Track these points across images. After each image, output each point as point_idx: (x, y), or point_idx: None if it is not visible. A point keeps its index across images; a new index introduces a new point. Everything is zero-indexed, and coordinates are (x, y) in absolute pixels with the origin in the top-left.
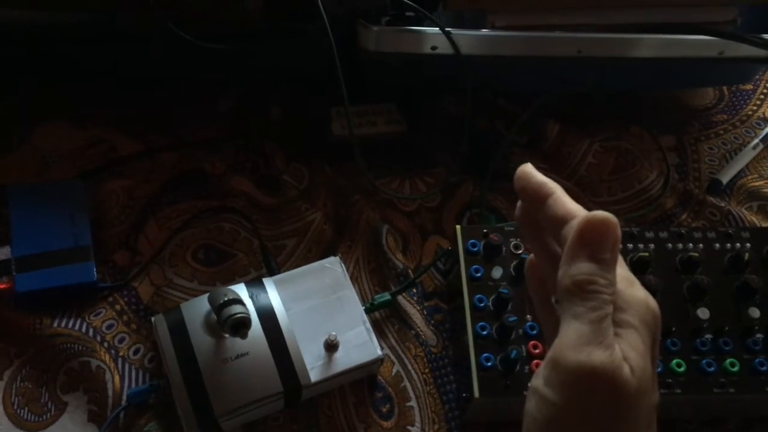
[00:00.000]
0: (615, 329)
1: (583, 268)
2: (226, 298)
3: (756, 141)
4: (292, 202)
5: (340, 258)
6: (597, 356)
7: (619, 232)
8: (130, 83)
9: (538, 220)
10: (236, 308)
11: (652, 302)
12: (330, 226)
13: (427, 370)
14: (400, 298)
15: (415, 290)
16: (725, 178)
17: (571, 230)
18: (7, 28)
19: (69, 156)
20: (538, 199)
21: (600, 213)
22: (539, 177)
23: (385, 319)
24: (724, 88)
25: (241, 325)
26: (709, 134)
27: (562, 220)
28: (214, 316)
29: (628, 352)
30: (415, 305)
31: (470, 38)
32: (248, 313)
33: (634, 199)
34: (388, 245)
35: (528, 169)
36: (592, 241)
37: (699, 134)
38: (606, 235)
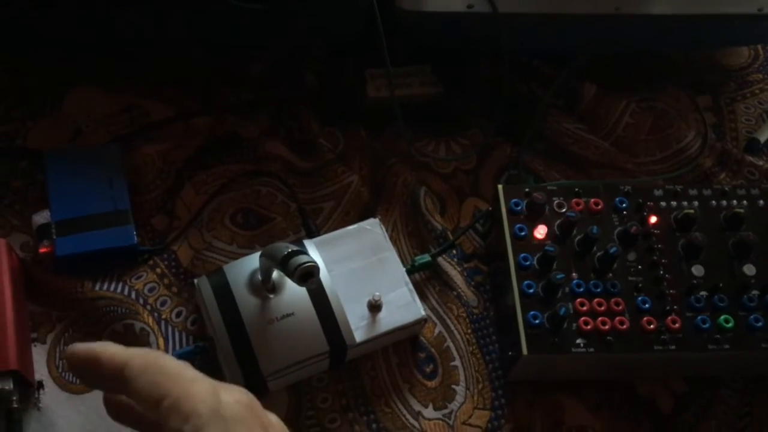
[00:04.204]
0: None
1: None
2: (289, 249)
3: None
4: (329, 165)
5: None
6: None
7: (105, 355)
8: (162, 47)
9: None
10: (304, 257)
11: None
12: (367, 189)
13: (469, 331)
14: (440, 259)
15: (454, 252)
16: (763, 137)
17: None
18: None
19: (102, 121)
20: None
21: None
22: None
23: (425, 281)
24: (759, 47)
25: (310, 274)
26: (745, 94)
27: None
28: (259, 277)
29: None
30: (456, 266)
31: None
32: (316, 262)
33: (672, 159)
34: (427, 207)
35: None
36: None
37: (735, 94)
38: (95, 363)
